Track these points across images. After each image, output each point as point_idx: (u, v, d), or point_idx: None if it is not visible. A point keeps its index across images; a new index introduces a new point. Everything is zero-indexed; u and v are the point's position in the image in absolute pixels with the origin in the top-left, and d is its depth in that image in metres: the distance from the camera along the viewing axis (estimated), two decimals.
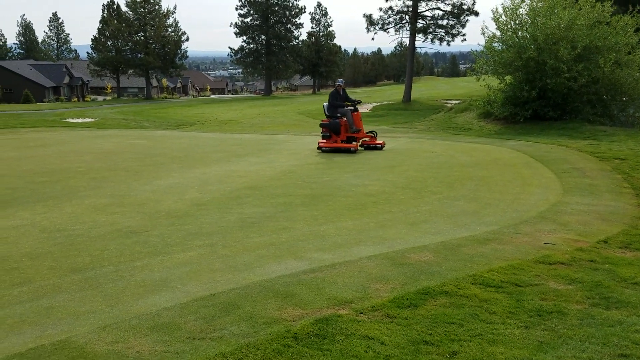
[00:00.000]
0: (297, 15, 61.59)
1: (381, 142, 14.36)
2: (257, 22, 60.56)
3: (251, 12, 60.24)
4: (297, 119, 28.95)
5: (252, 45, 61.36)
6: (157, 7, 56.32)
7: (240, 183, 9.42)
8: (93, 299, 4.15)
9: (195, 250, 5.46)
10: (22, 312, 3.92)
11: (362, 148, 14.20)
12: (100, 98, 63.35)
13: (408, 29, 33.16)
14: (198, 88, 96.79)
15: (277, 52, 60.84)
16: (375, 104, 33.81)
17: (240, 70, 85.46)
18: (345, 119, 13.90)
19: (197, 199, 8.02)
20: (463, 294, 4.26)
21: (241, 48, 61.33)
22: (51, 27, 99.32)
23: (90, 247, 5.56)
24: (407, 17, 33.04)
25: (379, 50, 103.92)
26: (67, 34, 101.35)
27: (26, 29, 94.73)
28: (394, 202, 7.82)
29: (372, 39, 37.85)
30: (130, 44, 56.26)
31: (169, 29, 57.33)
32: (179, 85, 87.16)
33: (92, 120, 26.71)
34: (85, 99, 61.67)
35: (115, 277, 4.65)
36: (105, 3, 56.33)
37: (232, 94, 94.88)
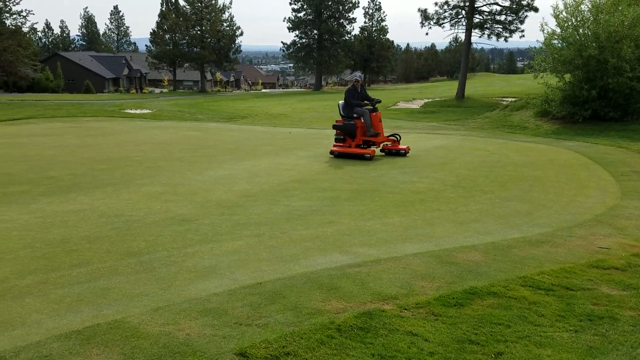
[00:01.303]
0: (351, 10, 61.40)
1: (405, 147, 12.40)
2: (310, 17, 60.84)
3: (305, 6, 60.58)
4: None
5: (304, 40, 61.74)
6: (213, 1, 57.46)
7: (288, 176, 9.53)
8: (147, 282, 4.33)
9: (244, 239, 5.59)
10: (80, 291, 4.14)
11: (383, 154, 12.39)
12: (157, 90, 65.38)
13: (464, 24, 32.41)
14: (250, 82, 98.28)
15: (329, 46, 60.94)
16: (426, 100, 33.31)
17: (291, 65, 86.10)
18: (362, 121, 12.06)
19: (246, 191, 8.19)
20: (511, 296, 4.18)
21: (293, 43, 61.83)
22: (112, 20, 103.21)
23: (145, 232, 5.79)
24: (463, 12, 32.29)
25: (433, 45, 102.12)
26: (127, 27, 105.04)
27: (88, 22, 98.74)
28: (443, 200, 7.72)
29: (426, 34, 37.13)
30: (187, 38, 57.68)
31: (224, 24, 58.39)
32: (232, 79, 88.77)
33: (149, 111, 27.62)
34: (143, 91, 63.82)
35: (168, 262, 4.83)
36: None
37: (283, 88, 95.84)
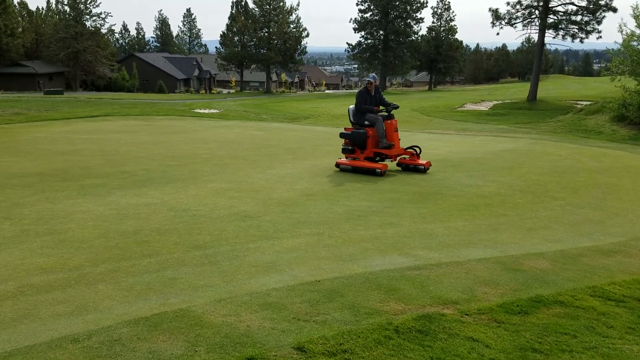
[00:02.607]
0: (418, 9, 60.62)
1: (425, 162, 10.26)
2: (377, 18, 60.61)
3: (371, 7, 60.41)
4: (410, 116, 28.55)
5: (369, 41, 61.57)
6: (281, 3, 58.48)
7: (349, 176, 9.54)
8: (211, 274, 4.49)
9: (303, 237, 5.66)
10: (149, 280, 4.35)
11: (400, 168, 10.47)
12: (224, 91, 67.36)
13: (537, 24, 31.18)
14: (314, 83, 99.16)
15: (395, 47, 60.45)
16: (495, 102, 32.32)
17: (355, 66, 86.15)
18: (375, 129, 10.15)
19: (306, 190, 8.28)
20: (579, 306, 3.99)
21: (358, 43, 61.81)
22: (185, 22, 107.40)
23: (210, 227, 5.99)
24: (536, 11, 31.07)
25: (504, 46, 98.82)
26: (199, 29, 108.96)
27: (162, 24, 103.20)
28: (510, 206, 7.47)
29: (497, 34, 35.87)
30: (254, 39, 59.05)
31: (291, 25, 59.29)
32: (296, 79, 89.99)
33: (217, 111, 28.49)
34: (212, 92, 65.93)
35: (231, 256, 4.97)
36: (235, 0, 59.63)
37: (347, 89, 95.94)
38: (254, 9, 58.79)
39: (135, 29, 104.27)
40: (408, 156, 10.40)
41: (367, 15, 60.86)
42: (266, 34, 58.76)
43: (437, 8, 68.17)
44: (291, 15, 58.87)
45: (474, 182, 9.20)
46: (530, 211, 7.17)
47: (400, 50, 60.83)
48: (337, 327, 3.46)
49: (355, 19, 61.12)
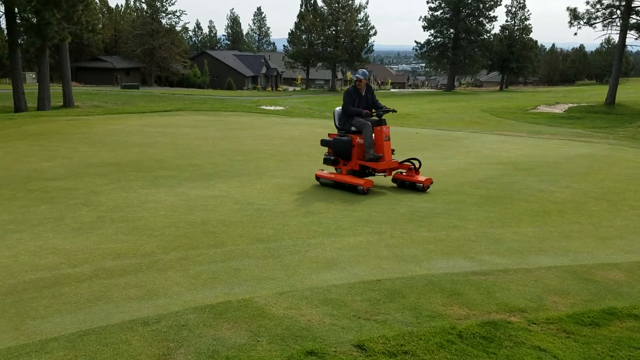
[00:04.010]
0: (492, 8, 58.86)
1: (424, 178, 8.23)
2: (448, 16, 59.40)
3: (442, 5, 59.28)
4: (479, 117, 27.78)
5: (439, 39, 60.47)
6: (350, 1, 58.55)
7: None
8: (273, 267, 4.57)
9: (364, 236, 5.64)
10: (215, 270, 4.48)
11: (395, 185, 8.54)
12: (290, 88, 68.32)
13: (618, 24, 29.49)
14: (379, 81, 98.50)
15: (465, 46, 59.01)
16: (571, 105, 30.84)
17: (423, 65, 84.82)
18: (362, 136, 8.21)
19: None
20: None
21: (427, 42, 60.84)
22: (255, 21, 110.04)
23: (273, 221, 6.10)
24: (618, 11, 29.37)
25: (582, 46, 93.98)
26: (268, 28, 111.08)
27: (234, 22, 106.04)
28: (584, 213, 7.10)
29: (575, 34, 34.28)
30: (322, 38, 59.50)
31: (359, 24, 59.23)
32: None
33: (282, 108, 28.95)
34: (278, 89, 67.09)
35: (293, 251, 5.04)
36: None
37: (413, 88, 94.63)
38: (322, 7, 59.20)
39: (208, 27, 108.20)
40: (405, 171, 8.45)
41: (438, 13, 59.79)
42: (333, 32, 59.02)
43: (511, 6, 65.78)
44: (359, 13, 58.80)
45: (546, 187, 8.81)
46: (605, 220, 6.78)
47: (471, 49, 59.31)
48: (397, 328, 3.43)
49: (425, 16, 60.21)
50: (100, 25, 58.95)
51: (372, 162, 8.08)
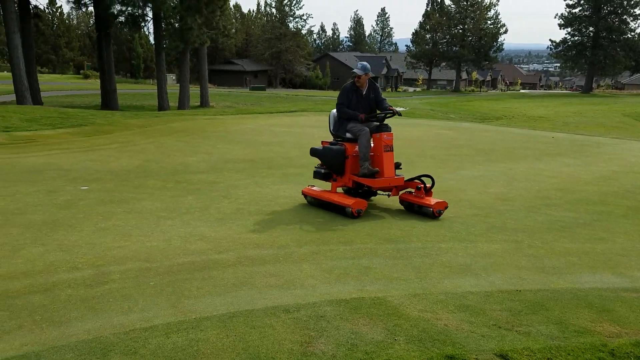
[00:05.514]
0: (637, 5, 53.27)
1: (435, 201, 6.39)
2: (587, 13, 54.89)
3: (581, 2, 54.87)
4: (622, 121, 25.30)
5: (576, 38, 56.09)
6: None
7: (550, 183, 8.83)
8: (404, 268, 4.56)
9: (499, 243, 5.41)
10: (346, 266, 4.58)
11: (403, 207, 6.83)
12: (410, 89, 67.49)
13: None
14: (508, 82, 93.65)
15: (606, 45, 54.06)
16: None
17: (557, 65, 79.10)
18: (357, 144, 6.67)
19: (501, 194, 7.88)
20: None
21: (563, 41, 56.72)
22: (378, 22, 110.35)
23: (400, 222, 6.08)
24: None
25: None
26: (391, 28, 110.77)
27: (357, 24, 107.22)
28: None
29: None
30: (447, 37, 58.04)
31: (488, 22, 56.89)
32: (488, 78, 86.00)
33: (403, 109, 28.67)
34: (398, 90, 66.61)
35: (422, 254, 4.99)
36: None
37: (545, 89, 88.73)
38: (450, 5, 57.72)
39: (332, 29, 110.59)
40: (414, 190, 6.72)
41: (576, 10, 55.47)
42: (460, 30, 57.26)
43: None
44: (489, 11, 56.44)
45: None
46: None
47: (613, 48, 54.19)
48: (542, 341, 3.24)
49: (562, 14, 56.15)
50: (234, 30, 62.89)
51: (366, 177, 6.50)
